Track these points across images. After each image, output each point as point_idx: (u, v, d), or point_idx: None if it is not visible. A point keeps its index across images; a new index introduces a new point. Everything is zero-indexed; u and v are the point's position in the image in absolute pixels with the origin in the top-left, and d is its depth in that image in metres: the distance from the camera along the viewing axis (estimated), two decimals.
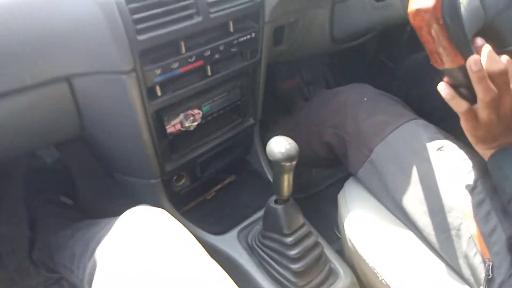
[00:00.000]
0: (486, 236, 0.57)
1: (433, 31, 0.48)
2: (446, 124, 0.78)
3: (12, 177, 0.90)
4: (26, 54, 0.53)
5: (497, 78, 0.49)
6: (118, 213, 0.60)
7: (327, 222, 0.85)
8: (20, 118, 0.58)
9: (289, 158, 0.58)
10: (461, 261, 0.60)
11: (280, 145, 0.59)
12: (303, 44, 0.85)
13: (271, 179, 0.89)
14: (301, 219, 0.69)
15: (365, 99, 0.76)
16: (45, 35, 0.53)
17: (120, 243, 0.54)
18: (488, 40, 0.58)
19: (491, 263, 0.55)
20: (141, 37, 0.57)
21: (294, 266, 0.68)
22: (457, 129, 0.59)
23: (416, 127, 0.69)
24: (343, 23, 0.81)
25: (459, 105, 0.52)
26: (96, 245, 0.56)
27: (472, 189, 0.61)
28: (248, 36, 0.70)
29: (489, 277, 0.55)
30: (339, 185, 0.82)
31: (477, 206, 0.59)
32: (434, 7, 0.46)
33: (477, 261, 0.58)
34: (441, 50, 0.49)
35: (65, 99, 0.60)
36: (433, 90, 0.55)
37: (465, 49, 0.49)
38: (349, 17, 0.80)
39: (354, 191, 0.76)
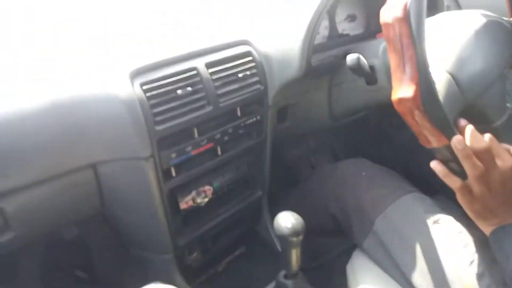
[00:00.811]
0: None
1: (416, 117, 0.54)
2: (445, 194, 0.83)
3: (30, 253, 0.94)
4: (59, 147, 0.61)
5: (482, 155, 0.53)
6: (129, 286, 0.63)
7: None
8: (48, 202, 0.65)
9: (295, 233, 0.63)
10: None
11: (287, 220, 0.64)
12: (305, 121, 0.94)
13: (280, 250, 0.93)
14: None
15: (363, 173, 0.82)
16: (75, 130, 0.62)
17: None
18: (473, 118, 0.64)
19: None
20: (159, 128, 0.65)
21: None
22: (455, 200, 0.64)
23: (413, 200, 0.74)
24: (339, 103, 0.91)
25: (453, 182, 0.56)
26: None
27: (470, 263, 0.64)
28: (254, 119, 0.79)
29: None
30: (348, 253, 0.85)
31: (477, 279, 0.62)
32: (414, 96, 0.52)
33: None
34: (426, 132, 0.55)
35: (89, 183, 0.68)
36: (430, 161, 0.59)
37: (448, 130, 0.54)
38: (344, 98, 0.89)
39: (361, 262, 0.79)
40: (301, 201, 0.96)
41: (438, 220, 0.69)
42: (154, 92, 0.64)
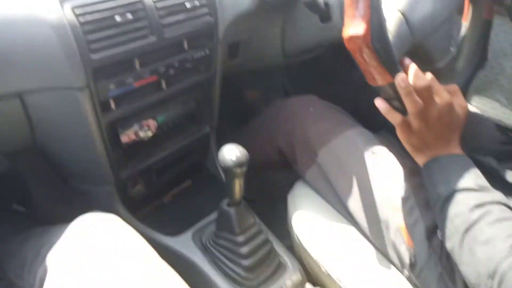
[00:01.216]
0: (410, 227, 0.68)
1: (364, 55, 0.56)
2: (388, 129, 0.88)
3: None
4: None
5: (422, 92, 0.58)
6: (72, 219, 0.63)
7: (280, 220, 0.94)
8: None
9: (239, 165, 0.65)
10: (390, 250, 0.70)
11: (231, 153, 0.66)
12: (257, 58, 0.92)
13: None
14: (251, 220, 0.76)
15: (311, 109, 0.86)
16: None
17: (71, 248, 0.57)
18: (417, 58, 0.66)
19: (413, 251, 0.66)
20: (94, 56, 0.61)
21: (245, 262, 0.74)
22: (395, 135, 0.69)
23: (356, 134, 0.80)
24: (293, 40, 0.89)
25: (394, 118, 0.62)
26: (47, 251, 0.59)
27: (399, 187, 0.71)
28: (202, 53, 0.75)
29: (412, 262, 0.66)
30: (292, 185, 0.91)
31: (402, 201, 0.70)
32: (364, 34, 0.53)
33: (403, 249, 0.68)
34: (372, 70, 0.57)
35: (16, 114, 0.64)
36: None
37: (393, 69, 0.57)
38: (298, 35, 0.87)
39: (302, 191, 0.85)
40: (250, 135, 0.99)
41: (376, 151, 0.76)
42: (88, 18, 0.59)
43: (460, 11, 0.80)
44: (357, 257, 0.75)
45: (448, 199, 0.58)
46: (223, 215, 0.75)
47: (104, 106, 0.68)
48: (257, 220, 0.79)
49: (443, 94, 0.60)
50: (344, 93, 1.04)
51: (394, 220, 0.70)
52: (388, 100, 0.62)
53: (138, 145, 0.80)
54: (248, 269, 0.75)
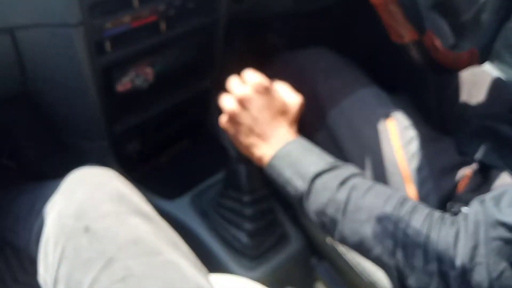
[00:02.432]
0: (422, 198, 0.67)
1: (391, 8, 0.55)
2: (406, 91, 0.87)
3: None
4: None
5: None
6: (64, 175, 0.62)
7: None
8: None
9: None
10: None
11: None
12: (264, 2, 0.89)
13: (226, 144, 0.94)
14: (261, 181, 0.75)
15: (322, 63, 0.84)
16: None
17: (68, 200, 0.57)
18: (444, 10, 0.65)
19: None
20: None
21: (248, 226, 0.74)
22: (412, 98, 0.67)
23: (369, 94, 0.78)
24: None
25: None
26: (42, 205, 0.59)
27: (412, 155, 0.70)
28: None
29: None
30: None
31: (416, 170, 0.69)
32: None
33: None
34: (398, 25, 0.57)
35: (7, 52, 0.62)
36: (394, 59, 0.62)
37: (420, 24, 0.57)
38: None
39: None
40: None
41: (389, 115, 0.74)
42: None
43: None
44: None
45: (309, 191, 0.57)
46: (232, 171, 0.73)
47: (99, 47, 0.66)
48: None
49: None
50: (358, 50, 1.02)
51: (407, 190, 0.69)
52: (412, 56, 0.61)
53: (134, 96, 0.78)
54: (251, 234, 0.75)
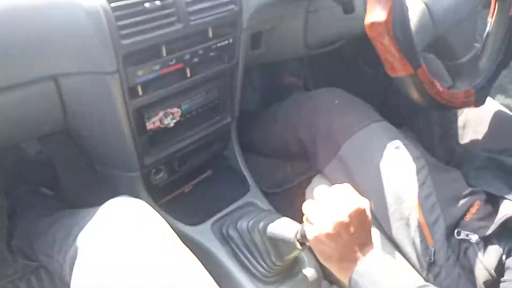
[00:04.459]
0: (430, 225, 0.68)
1: (385, 42, 0.56)
2: (411, 126, 0.88)
3: None
4: (18, 55, 0.59)
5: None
6: (98, 204, 0.65)
7: (298, 215, 0.95)
8: (7, 112, 0.65)
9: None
10: (409, 248, 0.70)
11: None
12: (279, 48, 0.94)
13: (245, 174, 0.98)
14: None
15: (337, 101, 0.87)
16: (35, 37, 0.60)
17: (102, 230, 0.59)
18: (440, 51, 0.66)
19: (433, 249, 0.66)
20: (125, 42, 0.64)
21: (268, 260, 0.75)
22: (418, 132, 0.68)
23: (380, 128, 0.80)
24: (315, 31, 0.90)
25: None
26: (79, 231, 0.61)
27: (422, 184, 0.71)
28: (226, 42, 0.78)
29: (431, 261, 0.66)
30: (311, 180, 0.91)
31: (424, 198, 0.70)
32: (386, 21, 0.54)
33: (423, 247, 0.68)
34: (392, 58, 0.58)
35: (51, 96, 0.67)
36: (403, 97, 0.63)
37: (414, 59, 0.57)
38: (320, 26, 0.89)
39: (321, 185, 0.85)
40: (271, 123, 1.00)
41: (399, 146, 0.76)
42: (119, 3, 0.62)
43: (485, 5, 0.80)
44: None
45: None
46: (287, 244, 0.71)
47: (132, 92, 0.70)
48: None
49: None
50: (367, 87, 1.05)
51: (415, 217, 0.70)
52: (408, 92, 0.61)
53: (162, 132, 0.82)
54: (270, 266, 0.76)
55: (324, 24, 0.88)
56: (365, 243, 0.56)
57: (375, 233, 0.76)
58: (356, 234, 0.55)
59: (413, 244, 0.70)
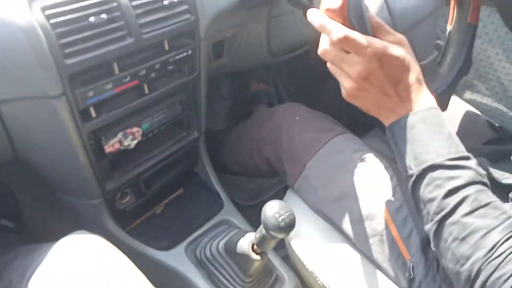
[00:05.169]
0: (405, 239, 0.63)
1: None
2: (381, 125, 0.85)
3: None
4: None
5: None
6: (62, 233, 0.61)
7: None
8: None
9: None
10: (386, 264, 0.66)
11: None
12: (243, 56, 0.89)
13: (218, 190, 0.92)
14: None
15: (297, 118, 0.83)
16: None
17: (54, 273, 0.55)
18: None
19: (411, 264, 0.62)
20: (69, 61, 0.57)
21: (246, 280, 0.71)
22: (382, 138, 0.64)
23: (344, 140, 0.77)
24: (278, 38, 0.86)
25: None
26: (31, 275, 0.57)
27: (391, 196, 0.67)
28: (185, 54, 0.72)
29: (411, 277, 0.61)
30: (285, 192, 0.87)
31: (395, 211, 0.65)
32: (341, 6, 0.50)
33: (400, 262, 0.64)
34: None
35: None
36: None
37: None
38: (283, 32, 0.85)
39: (293, 201, 0.81)
40: (239, 141, 0.96)
41: (365, 158, 0.72)
42: (60, 19, 0.55)
43: (445, 3, 0.78)
44: (353, 272, 0.70)
45: (418, 178, 0.50)
46: (245, 257, 0.67)
47: (84, 115, 0.64)
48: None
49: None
50: (338, 89, 1.01)
51: (388, 232, 0.65)
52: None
53: (123, 154, 0.76)
54: (242, 285, 0.72)
55: (286, 29, 0.84)
56: (400, 83, 0.51)
57: (351, 249, 0.72)
58: (382, 80, 0.50)
59: (390, 260, 0.65)
